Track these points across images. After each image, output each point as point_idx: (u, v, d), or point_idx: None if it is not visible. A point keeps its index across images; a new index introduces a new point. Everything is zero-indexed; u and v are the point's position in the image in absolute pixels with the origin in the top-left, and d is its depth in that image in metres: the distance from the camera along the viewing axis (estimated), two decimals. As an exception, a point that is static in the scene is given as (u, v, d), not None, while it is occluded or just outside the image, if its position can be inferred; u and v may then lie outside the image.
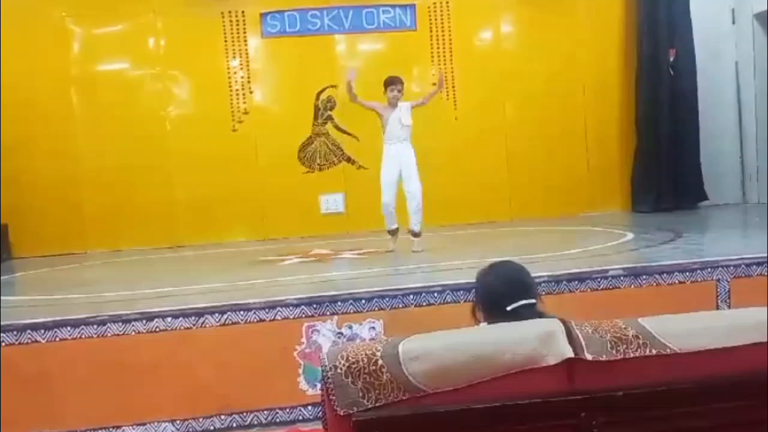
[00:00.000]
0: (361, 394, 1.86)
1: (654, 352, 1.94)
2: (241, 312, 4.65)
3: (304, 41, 9.51)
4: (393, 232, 7.12)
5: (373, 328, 4.70)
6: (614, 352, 1.93)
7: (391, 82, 6.83)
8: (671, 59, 9.52)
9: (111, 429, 4.53)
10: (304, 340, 4.68)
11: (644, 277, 5.01)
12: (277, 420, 4.64)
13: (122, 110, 9.24)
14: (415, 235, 6.98)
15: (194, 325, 4.60)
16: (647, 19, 9.66)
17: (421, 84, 9.56)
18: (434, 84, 7.90)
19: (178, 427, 4.57)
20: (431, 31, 9.67)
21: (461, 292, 4.71)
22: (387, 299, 4.77)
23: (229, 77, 9.46)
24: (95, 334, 4.53)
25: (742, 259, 5.11)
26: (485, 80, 9.78)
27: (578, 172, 9.89)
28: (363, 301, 4.75)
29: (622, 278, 4.99)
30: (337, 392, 1.87)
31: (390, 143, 6.88)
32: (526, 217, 9.57)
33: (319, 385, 4.26)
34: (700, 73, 9.61)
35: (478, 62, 9.82)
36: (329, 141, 9.62)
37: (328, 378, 1.88)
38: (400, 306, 4.78)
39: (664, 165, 9.59)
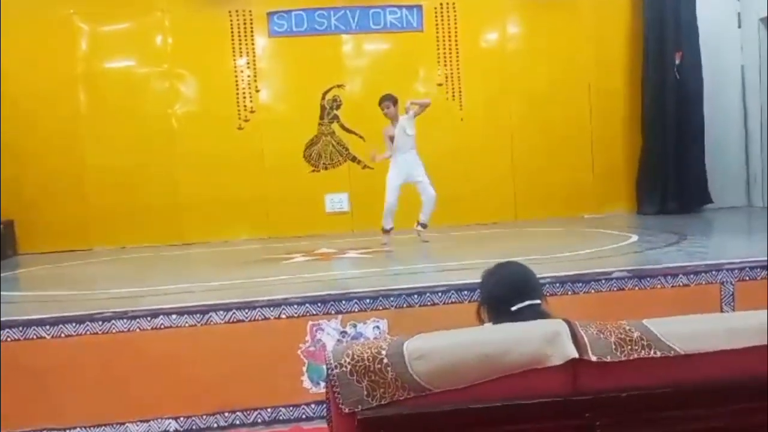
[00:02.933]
0: (365, 393, 1.87)
1: (658, 353, 1.94)
2: (246, 310, 4.66)
3: (311, 41, 9.50)
4: (388, 231, 7.44)
5: (378, 327, 4.71)
6: (618, 353, 1.94)
7: (380, 102, 7.37)
8: (677, 62, 9.48)
9: (115, 425, 4.54)
10: (308, 338, 4.69)
11: (648, 279, 5.01)
12: (280, 418, 4.65)
13: (129, 108, 9.24)
14: (423, 226, 7.42)
15: (199, 322, 4.62)
16: (653, 21, 9.63)
17: (426, 84, 9.59)
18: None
19: (182, 424, 4.58)
20: (437, 32, 9.65)
21: (466, 291, 4.72)
22: (391, 298, 4.78)
23: (236, 76, 9.45)
24: (100, 330, 4.55)
25: (746, 262, 5.11)
26: (491, 81, 9.76)
27: (583, 174, 9.86)
28: (367, 300, 4.76)
29: (626, 280, 4.99)
30: (342, 390, 1.88)
31: (397, 153, 7.31)
32: (530, 218, 9.55)
33: (322, 384, 4.30)
34: (706, 77, 9.58)
35: (484, 63, 9.81)
36: (335, 140, 9.62)
37: (333, 376, 1.89)
38: (405, 305, 4.78)
39: (669, 167, 9.56)
